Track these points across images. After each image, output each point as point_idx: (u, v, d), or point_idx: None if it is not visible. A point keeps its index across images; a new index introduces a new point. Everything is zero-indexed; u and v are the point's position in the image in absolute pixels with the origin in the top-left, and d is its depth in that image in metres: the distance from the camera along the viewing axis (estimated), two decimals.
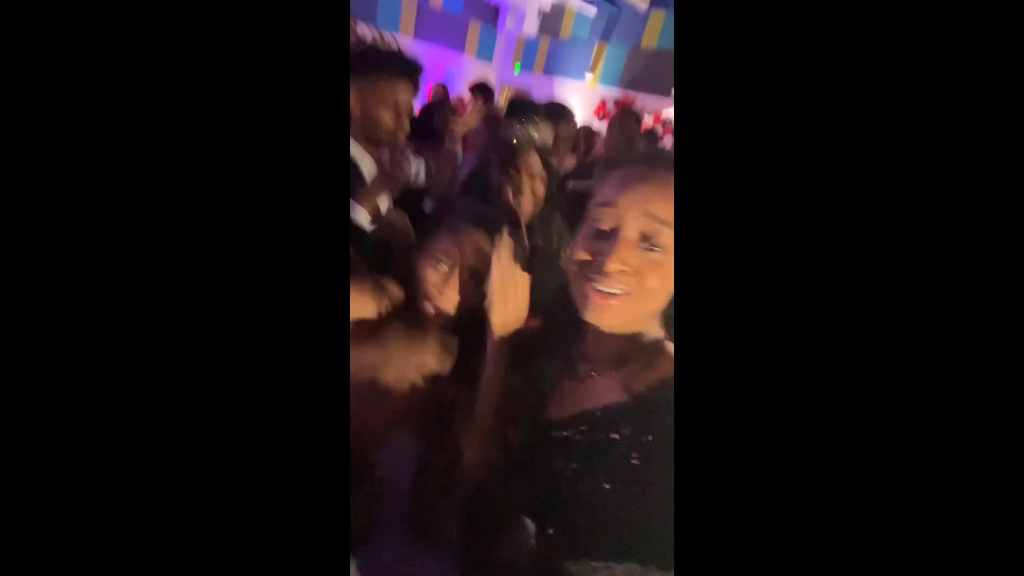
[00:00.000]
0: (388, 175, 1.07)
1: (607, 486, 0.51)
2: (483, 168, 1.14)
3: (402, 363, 0.80)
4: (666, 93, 5.01)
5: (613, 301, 0.53)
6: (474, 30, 6.46)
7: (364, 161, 1.17)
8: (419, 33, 5.83)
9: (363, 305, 0.78)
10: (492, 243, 0.69)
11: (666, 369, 0.54)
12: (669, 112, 4.87)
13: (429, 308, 0.75)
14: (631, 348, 0.57)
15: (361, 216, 1.03)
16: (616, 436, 0.52)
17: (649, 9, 5.70)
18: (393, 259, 0.91)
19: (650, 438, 0.50)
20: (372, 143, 1.16)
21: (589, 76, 5.95)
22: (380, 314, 0.80)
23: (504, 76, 6.55)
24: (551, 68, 6.28)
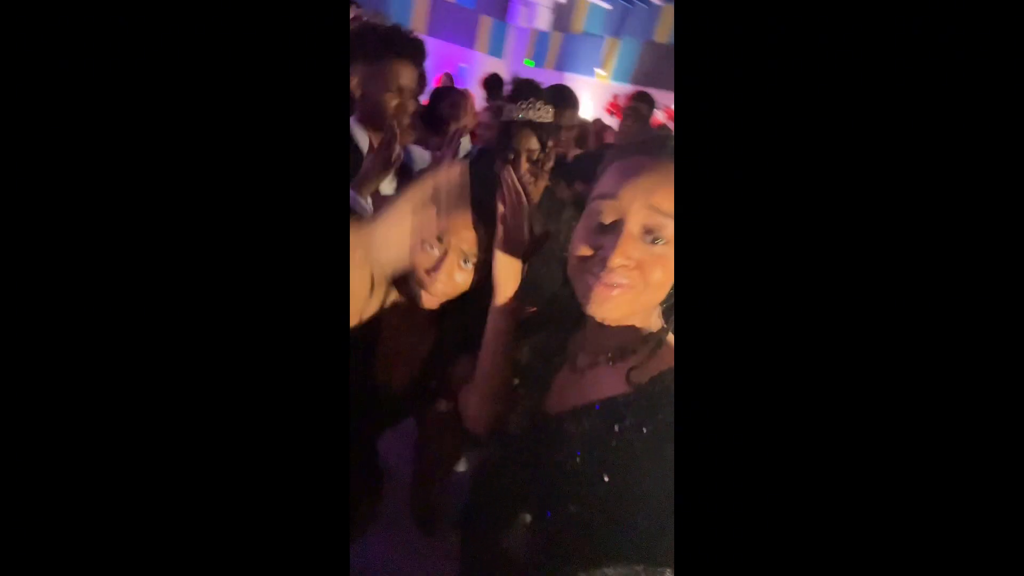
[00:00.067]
0: (377, 158, 1.03)
1: (606, 478, 0.50)
2: (485, 154, 1.14)
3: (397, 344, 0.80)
4: None
5: (615, 292, 0.52)
6: (485, 25, 6.45)
7: (366, 145, 1.16)
8: (431, 28, 5.85)
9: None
10: (486, 226, 0.69)
11: (667, 360, 0.53)
12: None
13: (420, 291, 0.74)
14: (633, 340, 0.56)
15: (359, 202, 1.02)
16: (617, 428, 0.52)
17: (661, 4, 5.65)
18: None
19: (648, 430, 0.49)
20: (374, 127, 1.15)
21: (601, 71, 5.92)
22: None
23: (515, 71, 6.54)
24: (562, 63, 6.26)
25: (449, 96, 2.04)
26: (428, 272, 0.71)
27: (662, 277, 0.51)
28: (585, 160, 2.04)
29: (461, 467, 1.10)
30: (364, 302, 0.78)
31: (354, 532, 0.93)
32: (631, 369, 0.54)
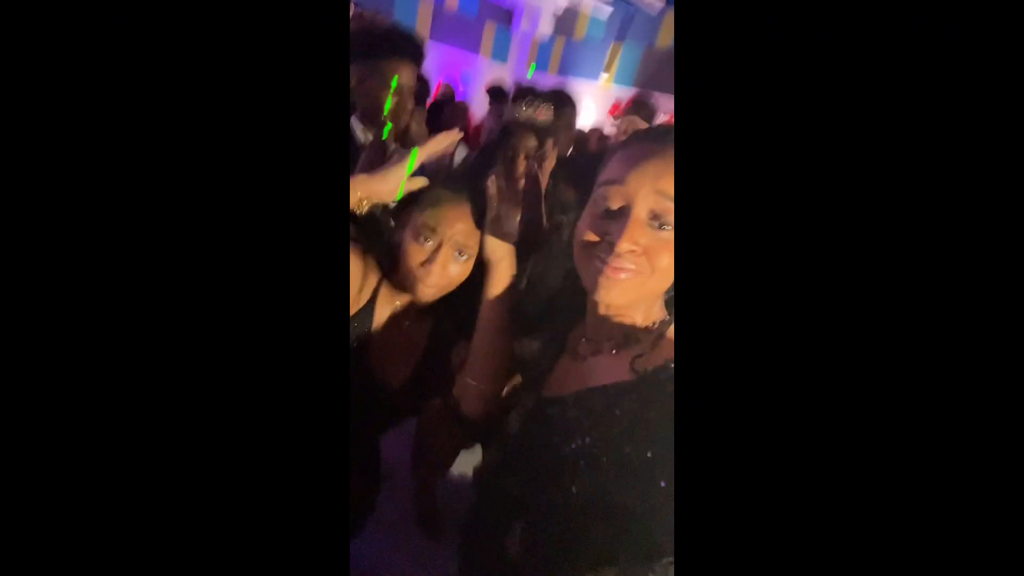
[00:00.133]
0: (367, 159, 1.05)
1: (604, 459, 0.50)
2: (484, 153, 1.14)
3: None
4: None
5: (623, 276, 0.52)
6: (489, 31, 6.48)
7: (365, 140, 1.17)
8: (435, 34, 5.88)
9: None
10: (479, 219, 0.70)
11: (669, 349, 0.53)
12: None
13: (416, 285, 0.74)
14: (636, 328, 0.56)
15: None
16: (618, 412, 0.51)
17: (664, 9, 5.66)
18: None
19: (651, 415, 0.49)
20: (375, 126, 1.16)
21: (604, 76, 5.92)
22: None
23: (519, 77, 6.57)
24: (566, 69, 6.27)
25: (447, 107, 2.07)
26: (422, 265, 0.72)
27: (669, 263, 0.51)
28: (585, 160, 2.03)
29: (461, 468, 1.09)
30: (357, 294, 0.78)
31: (354, 531, 0.93)
32: (635, 357, 0.54)
